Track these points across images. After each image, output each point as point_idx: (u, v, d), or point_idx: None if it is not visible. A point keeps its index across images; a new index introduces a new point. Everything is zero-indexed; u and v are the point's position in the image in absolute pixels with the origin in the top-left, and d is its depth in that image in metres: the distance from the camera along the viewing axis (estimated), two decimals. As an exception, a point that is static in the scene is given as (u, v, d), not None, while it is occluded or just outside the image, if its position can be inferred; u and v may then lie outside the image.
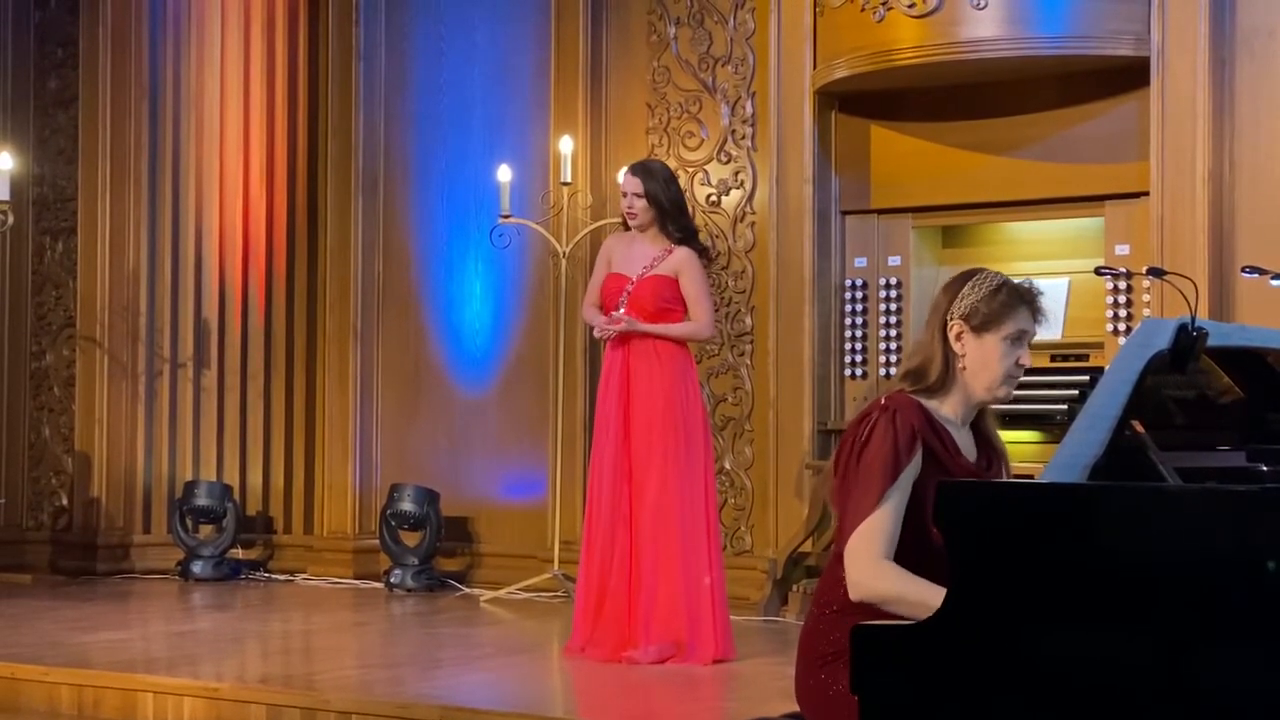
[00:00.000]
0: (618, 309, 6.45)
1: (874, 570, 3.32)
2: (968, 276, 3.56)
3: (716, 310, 7.99)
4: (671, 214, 6.46)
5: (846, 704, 3.25)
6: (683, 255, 6.45)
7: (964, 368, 3.50)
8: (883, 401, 3.47)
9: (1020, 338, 3.50)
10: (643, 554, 6.31)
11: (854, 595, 3.34)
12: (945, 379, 3.51)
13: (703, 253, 6.55)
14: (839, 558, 3.45)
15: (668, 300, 6.45)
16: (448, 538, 8.80)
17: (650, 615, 6.26)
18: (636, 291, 6.44)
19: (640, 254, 6.50)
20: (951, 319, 3.51)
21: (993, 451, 3.59)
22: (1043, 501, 2.90)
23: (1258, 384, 3.55)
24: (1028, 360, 3.52)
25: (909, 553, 3.35)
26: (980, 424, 3.59)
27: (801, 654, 3.55)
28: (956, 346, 3.51)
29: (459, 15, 9.03)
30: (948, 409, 3.51)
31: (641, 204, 6.45)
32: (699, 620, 6.28)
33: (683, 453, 6.33)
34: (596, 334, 6.54)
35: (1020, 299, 3.52)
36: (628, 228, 6.57)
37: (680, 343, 6.49)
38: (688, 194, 8.05)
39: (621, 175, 6.67)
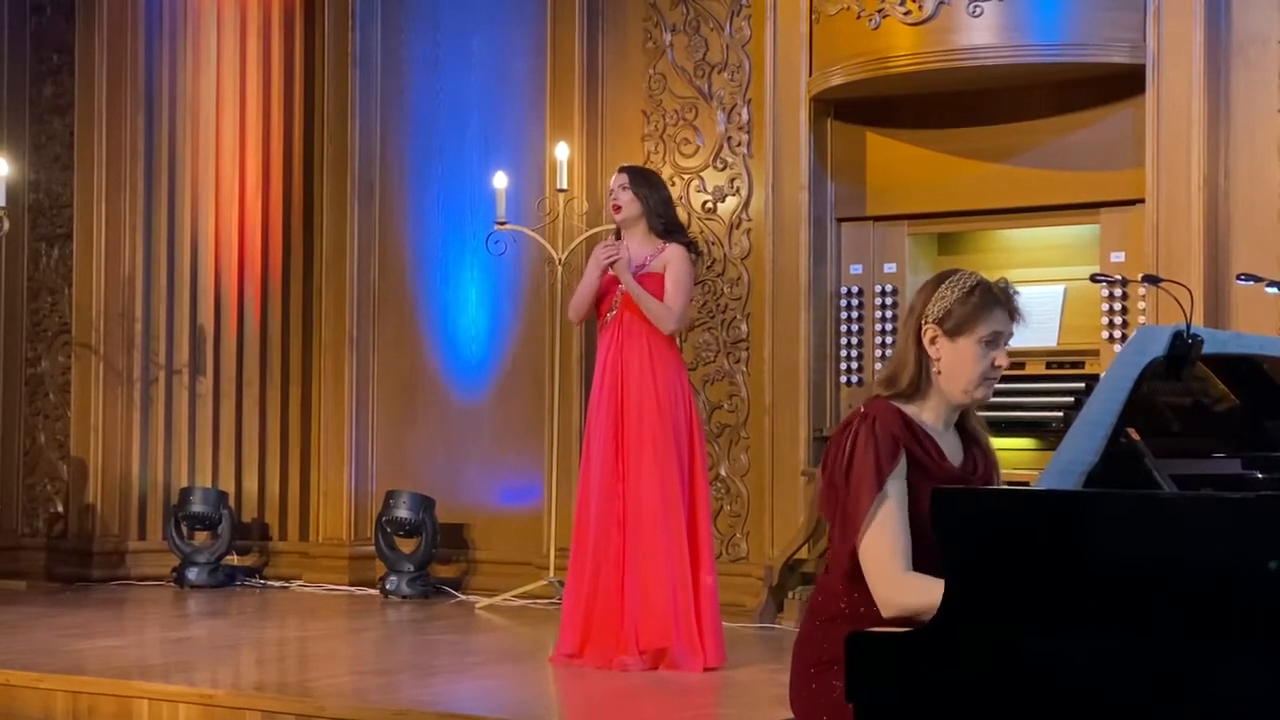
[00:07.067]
0: (611, 309, 6.46)
1: (898, 586, 3.27)
2: (942, 279, 3.51)
3: (712, 317, 8.01)
4: (656, 209, 6.48)
5: (840, 711, 3.25)
6: (673, 251, 6.47)
7: (939, 372, 3.45)
8: (862, 410, 3.44)
9: (995, 339, 3.45)
10: (633, 557, 6.29)
11: (886, 615, 3.29)
12: (920, 383, 3.46)
13: (691, 247, 6.57)
14: (839, 567, 3.43)
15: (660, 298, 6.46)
16: (443, 544, 8.80)
17: (640, 621, 6.25)
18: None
19: (632, 256, 6.51)
20: (925, 323, 3.46)
21: (979, 452, 3.54)
22: (1038, 508, 2.90)
23: (1253, 391, 3.56)
24: (1004, 361, 3.45)
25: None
26: (965, 425, 3.55)
27: (795, 661, 3.54)
28: (931, 351, 3.46)
29: (455, 21, 9.03)
30: (928, 414, 3.47)
31: (627, 196, 6.49)
32: (690, 626, 6.26)
33: (673, 454, 6.31)
34: (602, 258, 6.44)
35: (995, 300, 3.45)
36: (618, 236, 6.60)
37: (672, 344, 6.48)
38: (684, 201, 8.07)
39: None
